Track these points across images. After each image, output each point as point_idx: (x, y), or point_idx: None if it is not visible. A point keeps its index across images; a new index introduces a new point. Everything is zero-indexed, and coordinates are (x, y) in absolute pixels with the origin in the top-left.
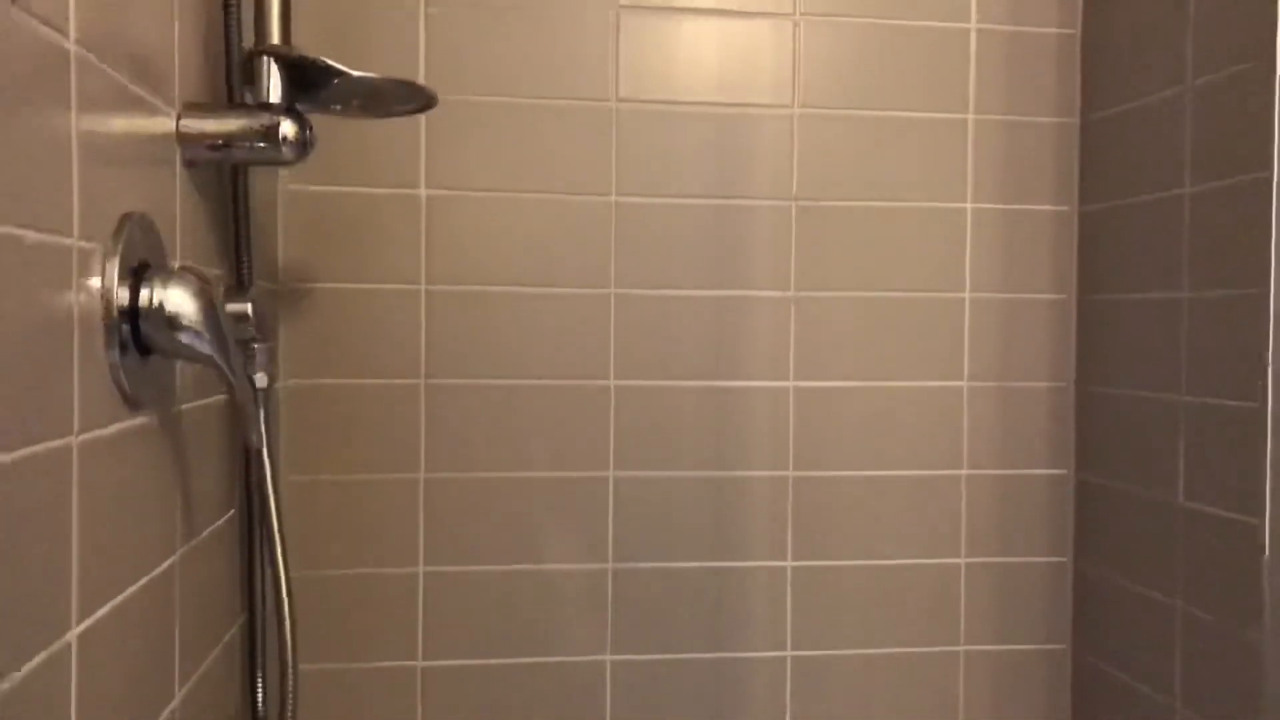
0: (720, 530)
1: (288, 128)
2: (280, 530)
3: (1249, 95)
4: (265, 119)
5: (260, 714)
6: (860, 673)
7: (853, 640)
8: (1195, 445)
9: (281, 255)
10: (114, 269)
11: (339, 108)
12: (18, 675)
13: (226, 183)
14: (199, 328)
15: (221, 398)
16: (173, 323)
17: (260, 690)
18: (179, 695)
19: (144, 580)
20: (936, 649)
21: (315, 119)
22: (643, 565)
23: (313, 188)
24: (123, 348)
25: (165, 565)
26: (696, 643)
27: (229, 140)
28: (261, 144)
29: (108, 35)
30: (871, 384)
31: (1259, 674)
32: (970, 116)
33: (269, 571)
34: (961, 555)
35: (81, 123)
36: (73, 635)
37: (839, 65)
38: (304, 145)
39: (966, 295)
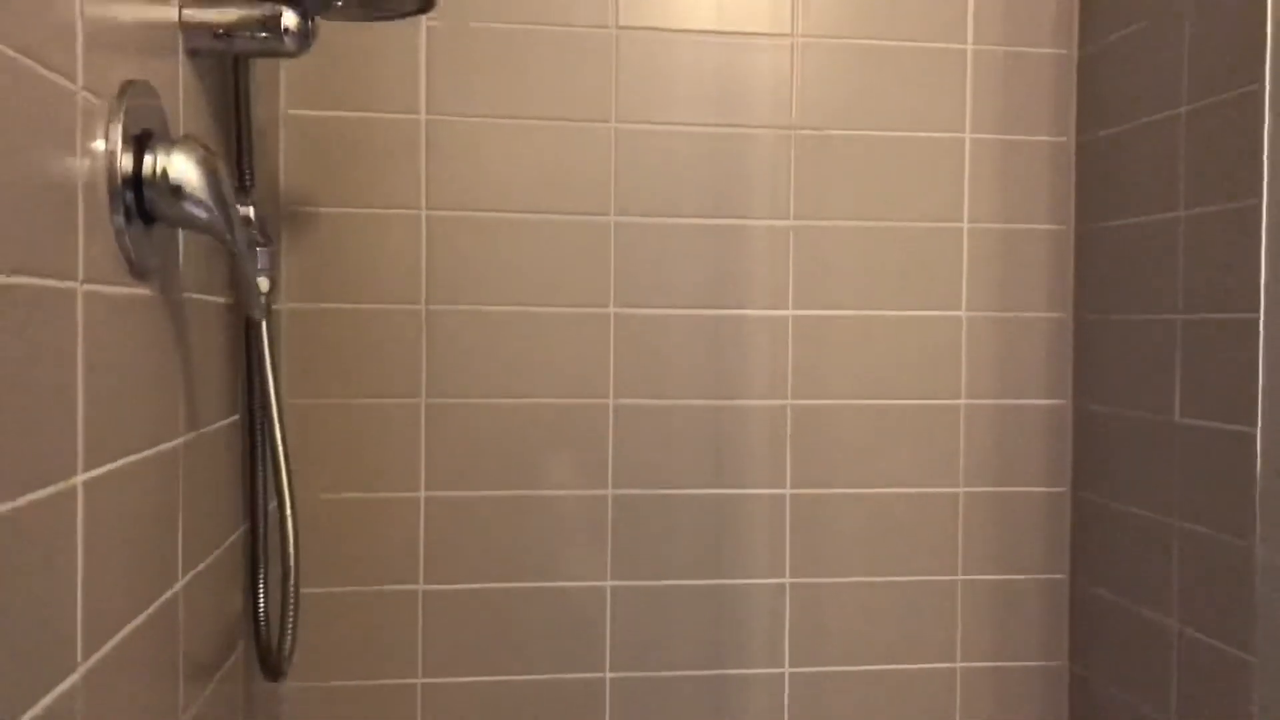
0: (719, 457)
1: (289, 18)
2: (283, 434)
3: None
4: (267, 8)
5: (261, 623)
6: (859, 600)
7: (851, 569)
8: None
9: (283, 180)
10: (117, 132)
11: (340, 3)
12: (20, 504)
13: (229, 78)
14: (202, 194)
15: (223, 300)
16: (177, 189)
17: (261, 599)
18: (181, 580)
19: (150, 451)
20: (935, 578)
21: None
22: (642, 492)
23: (313, 112)
24: (127, 215)
25: (170, 445)
26: (696, 569)
27: (230, 30)
28: (263, 34)
29: None
30: (870, 313)
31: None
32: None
33: (271, 478)
34: (960, 485)
35: (86, 7)
36: (79, 480)
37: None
38: (305, 36)
39: (964, 225)
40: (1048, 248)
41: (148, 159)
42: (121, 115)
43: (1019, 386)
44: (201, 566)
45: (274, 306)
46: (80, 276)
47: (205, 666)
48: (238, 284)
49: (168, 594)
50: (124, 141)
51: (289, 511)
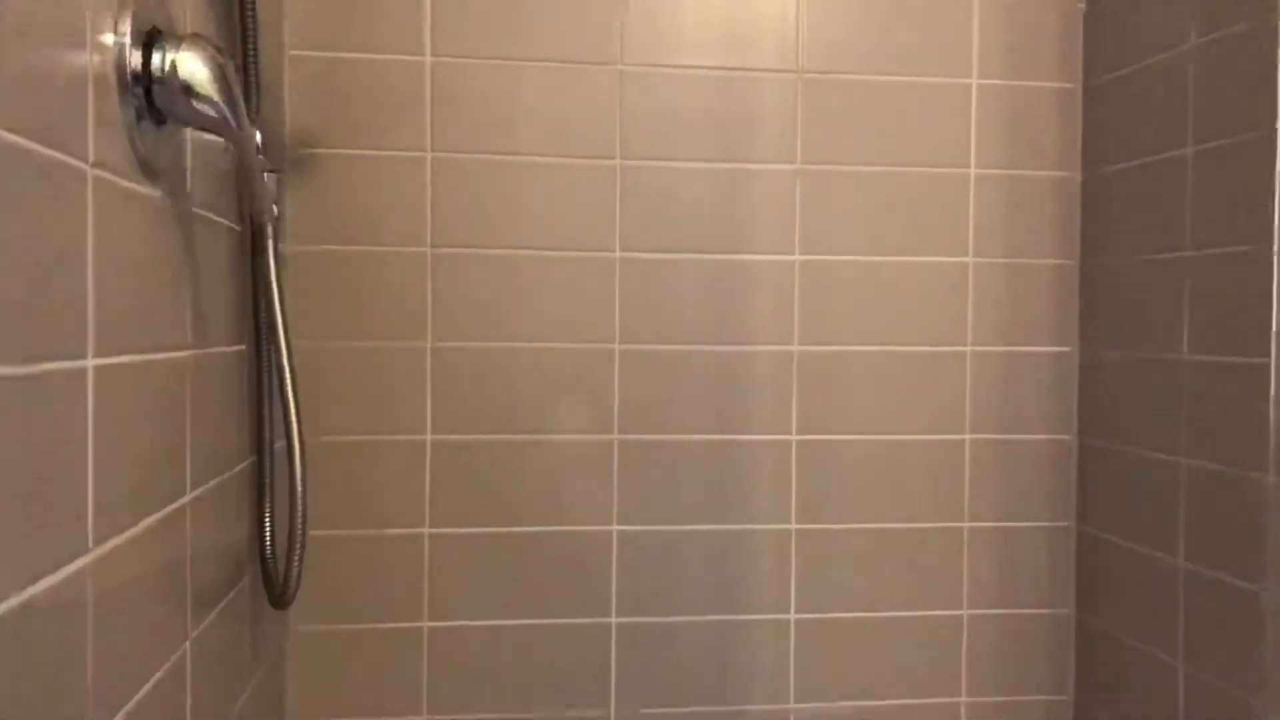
0: (725, 403)
1: None
2: (290, 361)
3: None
4: None
5: (269, 558)
6: (864, 547)
7: (857, 515)
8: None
9: (288, 122)
10: (126, 25)
11: None
12: (35, 370)
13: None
14: (211, 91)
15: (231, 225)
16: (186, 86)
17: (269, 530)
18: (190, 493)
19: (158, 355)
20: (941, 524)
21: None
22: (648, 437)
23: (318, 54)
24: (138, 113)
25: (178, 355)
26: (703, 515)
27: None
28: None
29: None
30: (876, 258)
31: None
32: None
33: (279, 410)
34: (966, 432)
35: None
36: (89, 363)
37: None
38: None
39: (971, 171)
40: (1055, 193)
41: (156, 55)
42: (130, 10)
43: (1025, 333)
44: (211, 484)
45: (279, 247)
46: (90, 159)
47: (212, 590)
48: (245, 191)
49: (176, 504)
50: (132, 35)
51: (297, 440)
